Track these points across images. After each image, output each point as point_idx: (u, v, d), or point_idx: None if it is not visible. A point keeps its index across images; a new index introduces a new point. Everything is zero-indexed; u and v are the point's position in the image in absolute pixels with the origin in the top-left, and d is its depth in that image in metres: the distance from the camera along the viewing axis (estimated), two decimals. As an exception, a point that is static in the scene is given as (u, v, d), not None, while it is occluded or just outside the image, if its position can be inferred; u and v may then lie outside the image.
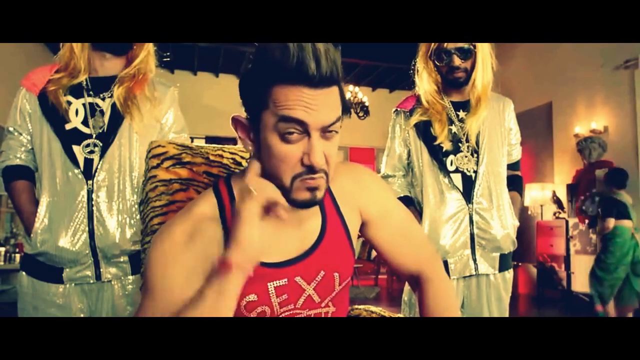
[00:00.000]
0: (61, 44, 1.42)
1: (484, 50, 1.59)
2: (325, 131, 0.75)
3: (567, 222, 5.31)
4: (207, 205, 0.81)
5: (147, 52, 1.47)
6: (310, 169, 0.74)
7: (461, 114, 1.66)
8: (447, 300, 0.96)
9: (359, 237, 0.97)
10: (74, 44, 1.39)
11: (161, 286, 0.75)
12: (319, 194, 0.78)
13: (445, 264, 1.59)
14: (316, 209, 0.87)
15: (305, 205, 0.79)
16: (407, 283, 1.71)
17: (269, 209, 0.76)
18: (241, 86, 0.78)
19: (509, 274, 1.68)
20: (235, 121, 0.81)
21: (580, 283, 5.07)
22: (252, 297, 0.81)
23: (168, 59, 1.56)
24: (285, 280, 0.83)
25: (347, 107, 0.80)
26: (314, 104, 0.72)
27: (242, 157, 1.09)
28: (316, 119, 0.72)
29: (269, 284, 0.82)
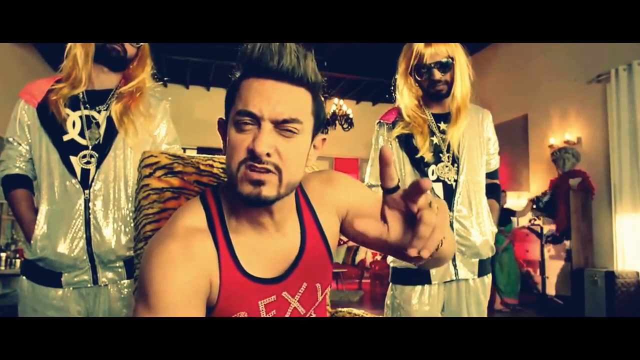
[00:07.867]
0: (65, 55, 1.45)
1: (461, 62, 1.62)
2: (280, 127, 0.72)
3: (541, 228, 5.45)
4: (195, 216, 0.80)
5: (145, 73, 1.51)
6: (253, 155, 0.71)
7: (442, 125, 1.69)
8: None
9: (344, 242, 0.99)
10: (78, 56, 1.42)
11: (161, 307, 0.70)
12: (265, 191, 0.73)
13: (427, 270, 1.63)
14: (295, 219, 0.85)
15: (251, 202, 0.74)
16: (389, 287, 1.74)
17: None
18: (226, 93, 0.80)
19: (488, 279, 1.72)
20: (220, 123, 0.82)
21: (554, 287, 5.22)
22: (242, 314, 0.80)
23: (164, 80, 1.62)
24: (274, 297, 0.83)
25: (319, 118, 0.79)
26: (270, 95, 0.71)
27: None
28: (266, 109, 0.71)
29: (259, 302, 0.81)
